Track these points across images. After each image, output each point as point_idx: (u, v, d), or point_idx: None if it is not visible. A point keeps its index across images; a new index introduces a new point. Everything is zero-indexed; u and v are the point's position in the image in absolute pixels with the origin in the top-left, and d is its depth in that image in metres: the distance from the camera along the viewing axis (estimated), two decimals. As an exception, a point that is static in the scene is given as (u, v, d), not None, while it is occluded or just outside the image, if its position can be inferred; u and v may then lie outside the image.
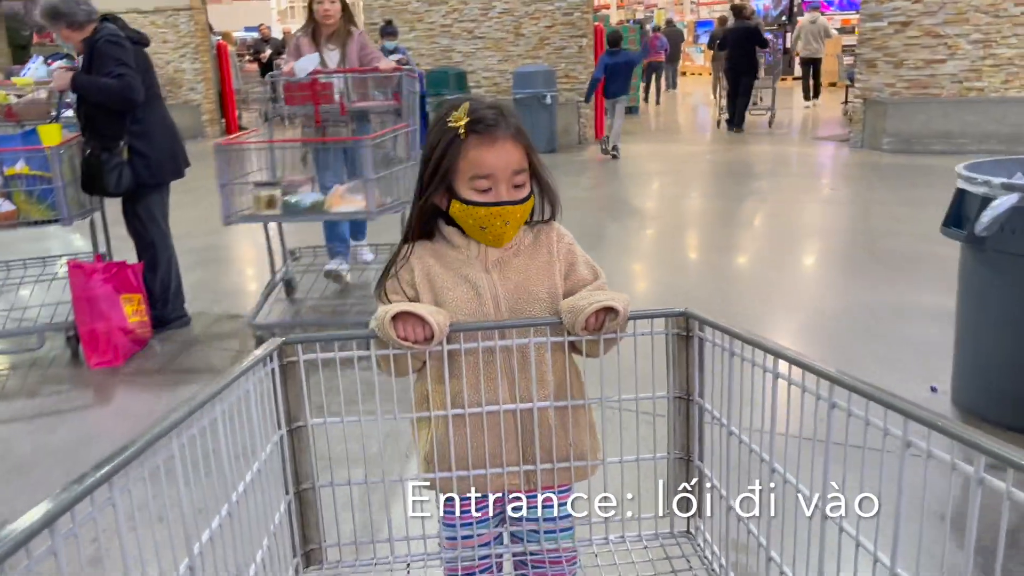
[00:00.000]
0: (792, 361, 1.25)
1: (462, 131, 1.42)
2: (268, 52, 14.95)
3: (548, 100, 10.07)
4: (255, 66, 15.64)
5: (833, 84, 17.56)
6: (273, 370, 1.42)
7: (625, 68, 9.41)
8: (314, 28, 4.66)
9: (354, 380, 1.42)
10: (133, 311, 4.02)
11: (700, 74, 23.41)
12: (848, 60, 17.78)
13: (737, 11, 12.12)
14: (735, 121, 11.63)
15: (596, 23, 11.08)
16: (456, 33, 11.28)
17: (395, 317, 1.39)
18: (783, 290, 4.75)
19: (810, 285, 4.83)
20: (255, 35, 18.60)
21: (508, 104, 1.58)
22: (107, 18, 4.20)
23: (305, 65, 4.29)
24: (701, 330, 1.49)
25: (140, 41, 4.24)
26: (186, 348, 4.15)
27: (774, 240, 5.94)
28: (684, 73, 23.14)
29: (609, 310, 1.42)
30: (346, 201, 3.83)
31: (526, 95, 10.09)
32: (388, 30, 9.53)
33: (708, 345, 1.48)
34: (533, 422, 1.49)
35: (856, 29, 20.42)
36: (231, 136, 4.13)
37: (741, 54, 11.42)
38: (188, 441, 1.16)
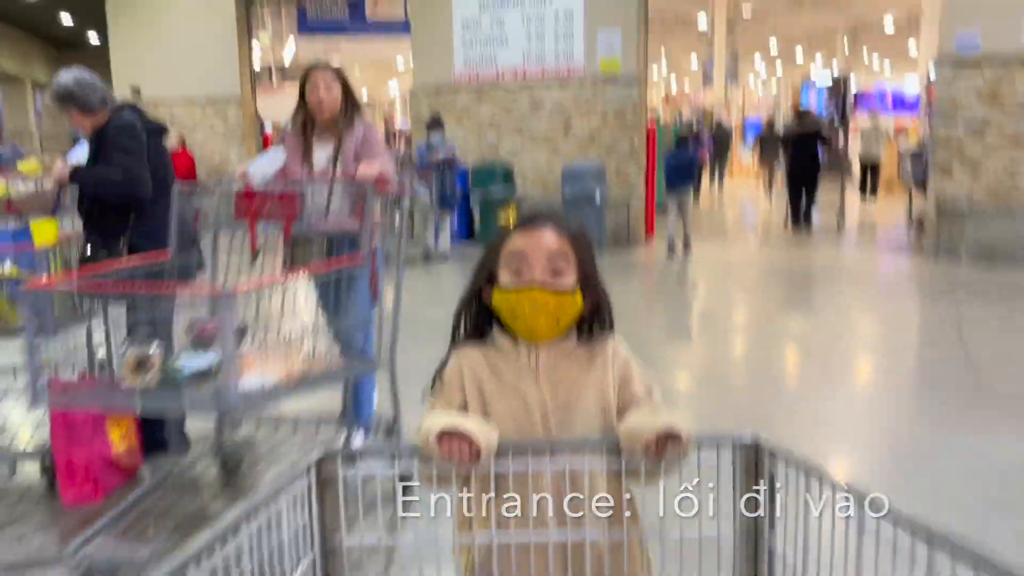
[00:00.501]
0: (883, 514, 1.10)
1: (511, 225, 1.48)
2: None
3: (597, 199, 9.58)
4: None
5: (891, 187, 16.98)
6: (309, 486, 1.33)
7: (688, 166, 9.55)
8: (305, 117, 3.61)
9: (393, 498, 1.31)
10: (121, 436, 3.42)
11: (747, 174, 23.03)
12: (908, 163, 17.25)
13: (801, 115, 12.06)
14: (801, 220, 11.38)
15: (648, 121, 10.67)
16: (504, 129, 10.95)
17: (440, 435, 1.31)
18: (874, 428, 4.00)
19: (908, 424, 4.07)
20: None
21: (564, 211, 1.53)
22: (124, 106, 3.77)
23: (261, 168, 3.26)
24: (773, 462, 1.34)
25: (158, 131, 3.80)
26: (181, 482, 3.52)
27: (857, 364, 5.21)
28: (733, 173, 22.80)
29: (671, 435, 1.31)
30: (257, 370, 2.61)
31: (575, 193, 9.62)
32: (434, 124, 9.20)
33: (781, 479, 1.32)
34: (583, 552, 1.38)
35: (910, 131, 20.02)
36: (53, 278, 2.95)
37: (804, 156, 11.16)
38: (209, 573, 1.07)
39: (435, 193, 9.01)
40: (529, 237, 1.44)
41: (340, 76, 3.56)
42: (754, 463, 1.37)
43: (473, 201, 10.32)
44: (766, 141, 16.39)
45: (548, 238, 1.43)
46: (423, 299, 7.45)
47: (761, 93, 40.88)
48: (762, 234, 11.92)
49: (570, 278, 1.43)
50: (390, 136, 16.37)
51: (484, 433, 1.33)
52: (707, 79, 29.13)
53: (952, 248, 8.50)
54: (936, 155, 8.65)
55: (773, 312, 6.87)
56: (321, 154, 3.55)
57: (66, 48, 25.90)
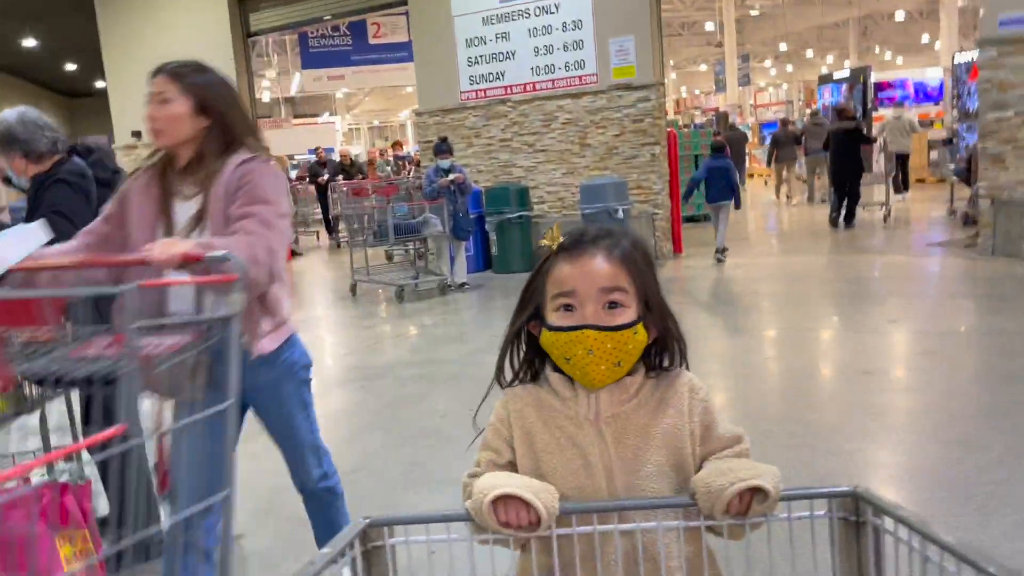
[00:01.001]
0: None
1: (554, 249, 1.27)
2: (326, 176, 14.30)
3: (620, 214, 8.91)
4: (313, 189, 15.09)
5: (921, 180, 16.22)
6: (354, 558, 1.21)
7: (726, 173, 9.13)
8: (164, 156, 2.23)
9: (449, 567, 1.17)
10: (74, 553, 2.79)
11: (763, 175, 22.33)
12: (934, 155, 16.56)
13: (840, 112, 11.93)
14: (846, 219, 11.08)
15: (668, 129, 10.01)
16: (516, 147, 10.33)
17: (495, 500, 1.15)
18: (982, 478, 3.28)
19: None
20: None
21: (624, 229, 1.37)
22: (77, 150, 3.18)
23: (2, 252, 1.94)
24: (877, 517, 1.12)
25: (111, 183, 3.18)
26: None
27: (954, 397, 4.48)
28: (752, 175, 22.07)
29: (757, 491, 1.12)
30: None
31: (595, 210, 8.95)
32: (442, 148, 8.59)
33: (889, 539, 1.09)
34: None
35: (936, 123, 19.22)
36: None
37: (845, 153, 10.88)
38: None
39: (448, 221, 8.39)
40: (576, 267, 1.23)
41: (191, 82, 2.16)
42: (854, 519, 1.18)
43: (489, 226, 9.70)
44: (781, 141, 15.78)
45: (599, 267, 1.22)
46: (440, 337, 6.82)
47: (772, 93, 40.18)
48: (804, 237, 11.18)
49: (629, 312, 1.22)
50: (398, 164, 15.83)
51: (544, 498, 1.17)
52: (718, 82, 28.48)
53: (1011, 244, 7.73)
54: (986, 143, 7.90)
55: (837, 329, 6.14)
56: (186, 209, 2.18)
57: (75, 96, 25.74)
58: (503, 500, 1.16)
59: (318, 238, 16.01)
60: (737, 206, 9.23)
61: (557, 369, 1.27)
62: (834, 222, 11.07)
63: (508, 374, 1.33)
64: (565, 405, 1.25)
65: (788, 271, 8.66)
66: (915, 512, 1.07)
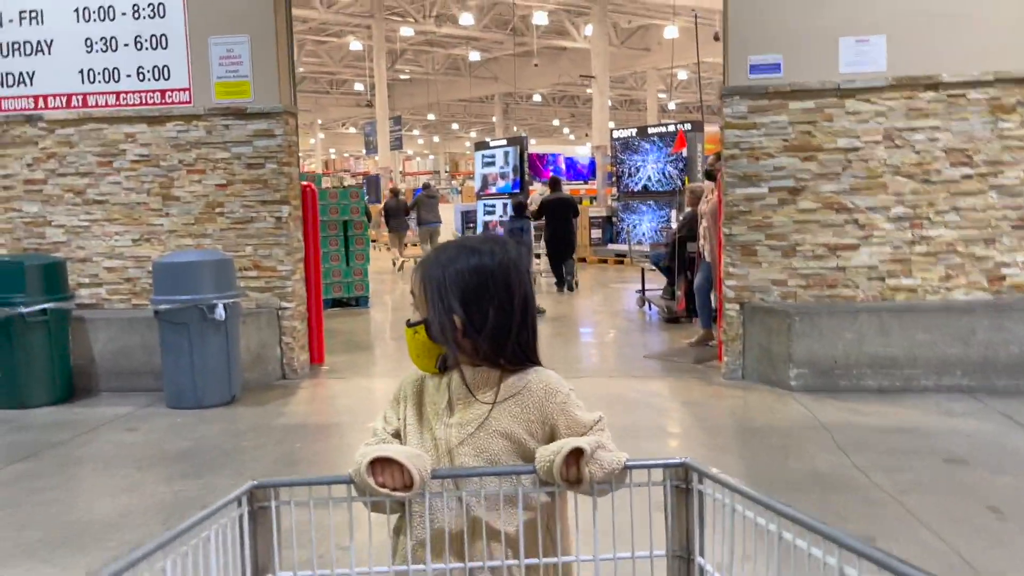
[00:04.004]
0: (803, 524, 1.03)
1: None
2: None
3: (220, 313, 5.21)
4: None
5: (583, 259, 14.75)
6: (242, 516, 1.23)
7: (521, 235, 9.27)
8: None
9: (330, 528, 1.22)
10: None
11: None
12: (597, 233, 15.49)
13: (554, 184, 11.75)
14: (568, 285, 11.00)
15: (304, 182, 6.56)
16: (54, 195, 6.13)
17: (373, 463, 1.23)
18: None
19: None
20: None
21: (494, 238, 1.42)
22: None
23: None
24: (701, 483, 1.27)
25: None
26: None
27: None
28: (375, 240, 19.65)
29: (579, 452, 1.21)
30: None
31: (179, 304, 5.16)
32: None
33: (709, 500, 1.26)
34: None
35: (584, 200, 18.27)
36: None
37: (561, 223, 10.73)
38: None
39: None
40: None
41: None
42: (684, 486, 1.30)
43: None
44: (392, 210, 15.36)
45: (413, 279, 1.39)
46: None
47: (420, 162, 39.11)
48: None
49: (421, 310, 1.35)
50: None
51: (417, 462, 1.23)
52: (369, 144, 25.88)
53: (770, 366, 5.46)
54: (733, 228, 5.63)
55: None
56: None
57: None
58: (380, 463, 1.22)
59: None
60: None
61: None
62: (560, 286, 11.00)
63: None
64: (434, 390, 1.37)
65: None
66: (728, 477, 1.19)
